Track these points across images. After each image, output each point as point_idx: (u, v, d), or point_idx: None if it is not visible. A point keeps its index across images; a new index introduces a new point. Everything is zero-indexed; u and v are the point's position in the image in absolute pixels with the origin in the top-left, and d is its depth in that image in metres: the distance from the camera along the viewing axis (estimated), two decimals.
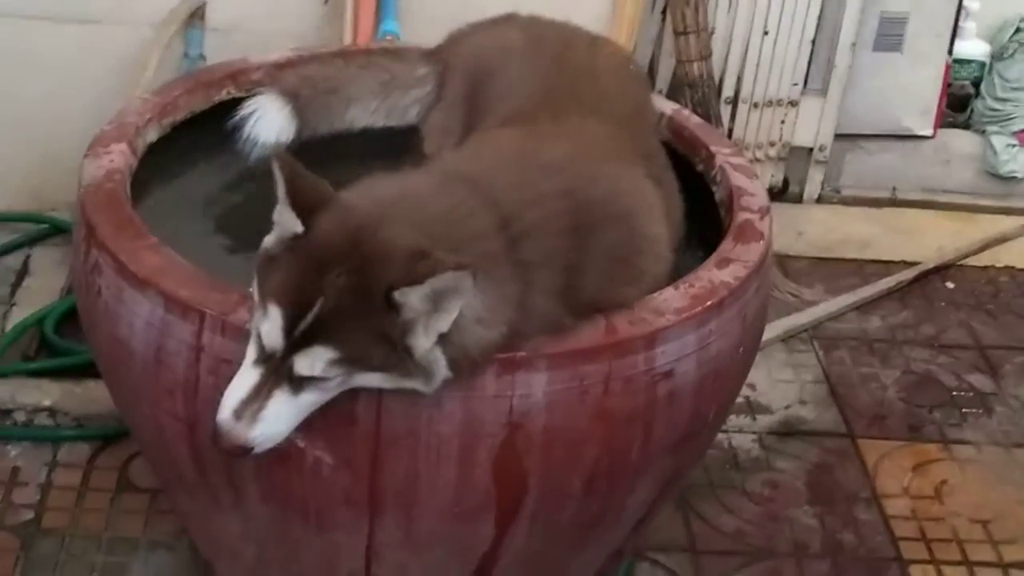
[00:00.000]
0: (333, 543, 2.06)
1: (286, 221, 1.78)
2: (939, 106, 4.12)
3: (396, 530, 2.02)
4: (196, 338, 1.95)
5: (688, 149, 2.51)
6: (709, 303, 2.05)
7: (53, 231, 3.46)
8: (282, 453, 1.91)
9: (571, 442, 1.96)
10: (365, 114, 2.55)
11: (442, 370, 1.79)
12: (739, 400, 3.10)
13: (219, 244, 2.33)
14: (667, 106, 2.61)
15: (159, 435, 2.08)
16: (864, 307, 3.57)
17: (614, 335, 1.95)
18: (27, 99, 3.45)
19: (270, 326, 1.74)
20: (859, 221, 4.01)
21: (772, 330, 3.39)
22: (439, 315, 1.74)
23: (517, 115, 2.25)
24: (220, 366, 1.90)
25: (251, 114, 2.42)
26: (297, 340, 1.73)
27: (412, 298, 1.70)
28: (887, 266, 3.76)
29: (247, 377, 1.77)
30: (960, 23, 4.06)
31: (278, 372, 1.75)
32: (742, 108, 3.91)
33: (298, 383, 1.76)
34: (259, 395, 1.76)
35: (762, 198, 2.34)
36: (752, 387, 3.19)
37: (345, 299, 1.72)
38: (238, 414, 1.76)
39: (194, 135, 2.49)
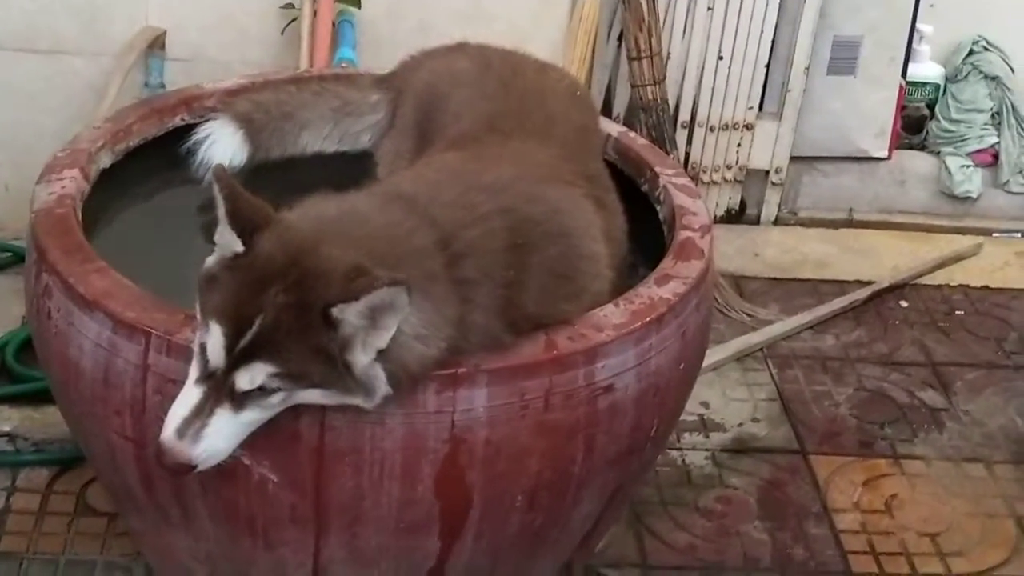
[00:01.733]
0: (281, 560, 2.09)
1: (227, 241, 1.82)
2: (894, 128, 4.18)
3: (342, 547, 2.05)
4: (142, 358, 1.98)
5: (633, 169, 2.56)
6: (648, 319, 2.09)
7: (15, 259, 3.48)
8: (228, 471, 1.94)
9: (513, 456, 2.00)
10: (318, 139, 2.60)
11: (382, 386, 1.83)
12: (692, 418, 3.17)
13: (171, 267, 2.35)
14: (613, 128, 2.66)
15: (109, 455, 2.11)
16: (818, 326, 3.62)
17: (554, 350, 1.99)
18: None
19: (212, 343, 1.78)
20: (816, 242, 4.07)
21: (726, 349, 3.44)
22: (377, 332, 1.78)
23: (463, 138, 2.30)
24: (166, 385, 1.94)
25: (204, 139, 2.47)
26: (238, 356, 1.76)
27: (349, 314, 1.74)
28: (843, 286, 3.81)
29: (190, 395, 1.81)
30: (914, 46, 4.14)
31: (220, 389, 1.79)
32: (698, 132, 3.97)
33: (240, 400, 1.79)
34: (201, 413, 1.80)
35: (704, 217, 2.38)
36: (705, 405, 3.23)
37: (284, 316, 1.75)
38: (181, 432, 1.79)
39: (149, 160, 2.53)
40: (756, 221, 4.14)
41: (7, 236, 3.53)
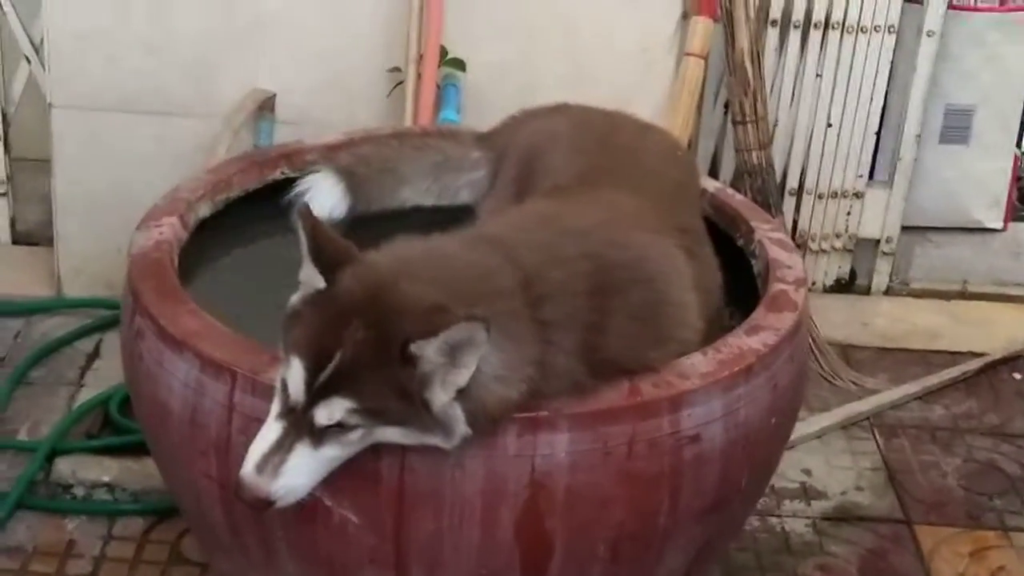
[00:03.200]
0: None
1: (310, 277, 1.83)
2: (1009, 199, 4.10)
3: None
4: (228, 398, 2.00)
5: (729, 224, 2.54)
6: (736, 368, 2.05)
7: None
8: (309, 511, 1.95)
9: (595, 504, 1.97)
10: (417, 193, 2.61)
11: (461, 426, 1.82)
12: (793, 485, 3.11)
13: (265, 315, 2.37)
14: (711, 184, 2.65)
15: (196, 497, 2.13)
16: (928, 396, 3.53)
17: (638, 396, 1.97)
18: (101, 189, 3.58)
19: (292, 378, 1.79)
20: (927, 312, 3.98)
21: (831, 417, 3.38)
22: (457, 370, 1.77)
23: (554, 189, 2.30)
24: (251, 425, 1.94)
25: (305, 190, 2.49)
26: (317, 392, 1.77)
27: (428, 351, 1.74)
28: (954, 357, 3.72)
29: (270, 431, 1.82)
30: None
31: (299, 425, 1.79)
32: (807, 199, 3.92)
33: (319, 436, 1.80)
34: (281, 448, 1.80)
35: (798, 271, 2.34)
36: (808, 472, 3.17)
37: (363, 351, 1.76)
38: (260, 467, 1.80)
39: (250, 212, 2.56)
40: (867, 291, 4.07)
41: (118, 294, 3.59)
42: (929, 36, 3.78)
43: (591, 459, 1.95)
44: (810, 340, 3.53)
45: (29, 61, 3.80)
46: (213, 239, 2.50)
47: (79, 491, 2.94)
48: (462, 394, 1.80)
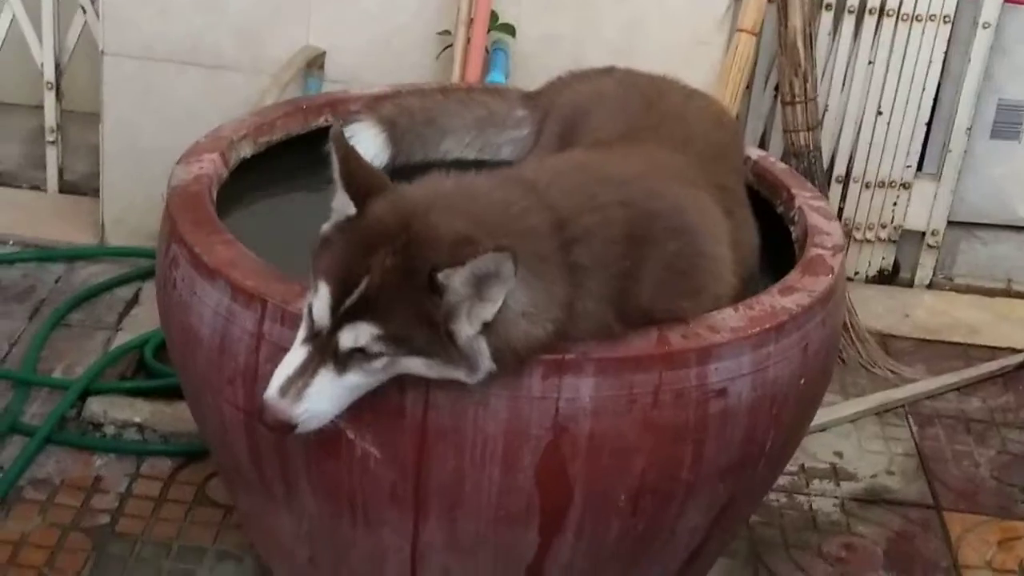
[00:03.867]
0: (380, 542, 2.08)
1: (341, 204, 1.84)
2: None
3: (440, 531, 2.03)
4: (258, 326, 2.00)
5: (770, 191, 2.52)
6: (768, 326, 2.04)
7: None
8: (331, 444, 1.96)
9: (618, 452, 1.96)
10: (459, 146, 2.60)
11: (486, 361, 1.82)
12: (823, 466, 3.09)
13: (300, 256, 2.38)
14: (754, 152, 2.63)
15: (221, 427, 2.13)
16: (965, 389, 3.49)
17: (666, 346, 1.96)
18: (148, 138, 3.59)
19: (319, 303, 1.79)
20: (970, 308, 3.93)
21: (866, 403, 3.35)
22: (483, 303, 1.77)
23: (596, 143, 2.29)
24: (278, 354, 1.92)
25: (347, 138, 2.49)
26: (343, 316, 1.77)
27: (455, 281, 1.74)
28: (994, 352, 3.67)
29: (295, 355, 1.83)
30: None
31: (324, 350, 1.80)
32: (853, 187, 3.89)
33: (343, 361, 1.80)
34: (305, 372, 1.81)
35: (837, 238, 2.32)
36: (839, 455, 3.14)
37: (391, 278, 1.76)
38: (284, 390, 1.81)
39: (294, 157, 2.56)
40: (910, 284, 4.02)
41: None
42: (985, 28, 3.73)
43: (616, 406, 1.94)
44: (849, 326, 3.54)
45: (84, 11, 3.83)
46: (254, 181, 2.51)
47: (109, 430, 2.95)
48: (488, 328, 1.79)
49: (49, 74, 3.88)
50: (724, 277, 2.07)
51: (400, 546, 2.07)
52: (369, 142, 2.50)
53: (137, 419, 2.96)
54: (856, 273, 3.98)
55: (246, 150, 2.50)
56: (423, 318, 1.77)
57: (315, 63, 3.51)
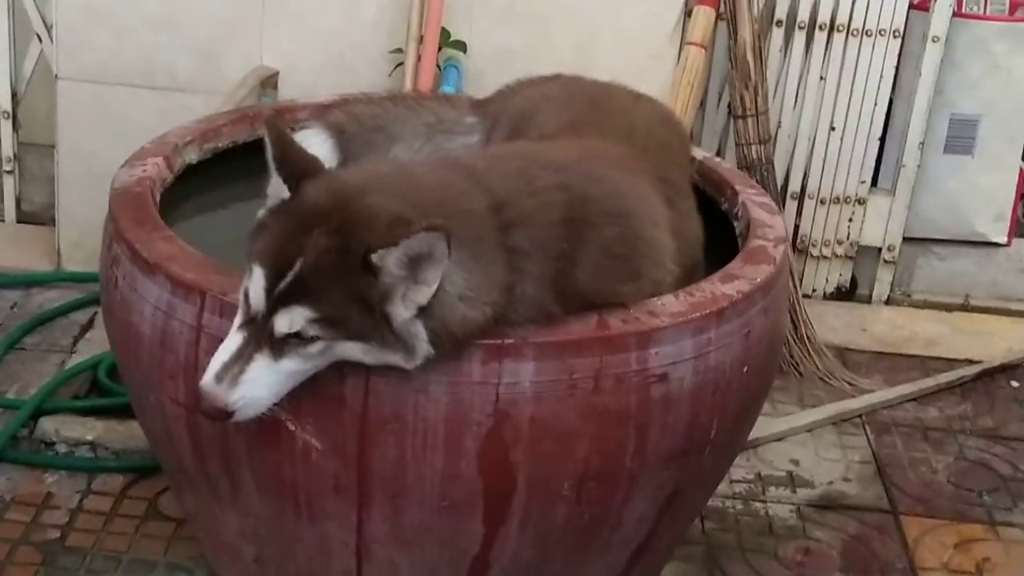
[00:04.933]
0: (325, 536, 2.07)
1: (275, 188, 1.84)
2: (1014, 213, 4.07)
3: (384, 522, 2.02)
4: (197, 318, 2.00)
5: (715, 190, 2.53)
6: (708, 311, 2.05)
7: None
8: (272, 435, 1.95)
9: (560, 436, 1.96)
10: (409, 152, 2.59)
11: (423, 345, 1.81)
12: (779, 473, 3.08)
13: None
14: (699, 152, 2.65)
15: (164, 424, 2.12)
16: (923, 399, 3.50)
17: (605, 330, 1.96)
18: (104, 162, 3.54)
19: (254, 287, 1.79)
20: (928, 322, 3.95)
21: (823, 412, 3.36)
22: (418, 286, 1.77)
23: (539, 137, 2.30)
24: (218, 347, 1.93)
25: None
26: (277, 299, 1.77)
27: (389, 262, 1.74)
28: (951, 364, 3.68)
29: (231, 341, 1.82)
30: None
31: (260, 335, 1.79)
32: (808, 204, 3.91)
33: (279, 347, 1.79)
34: (241, 358, 1.80)
35: (779, 231, 2.34)
36: (795, 463, 3.14)
37: (325, 259, 1.76)
38: (220, 376, 1.80)
39: (240, 164, 2.56)
40: (868, 300, 4.03)
41: None
42: (934, 42, 3.77)
43: (556, 390, 1.94)
44: (806, 338, 3.55)
45: (40, 40, 3.83)
46: (200, 187, 2.51)
47: (61, 448, 2.93)
48: (425, 312, 1.79)
49: (5, 103, 3.88)
50: (664, 263, 2.08)
51: (345, 539, 2.06)
52: (317, 148, 2.48)
53: (89, 437, 2.94)
54: (813, 290, 3.99)
55: (192, 156, 2.50)
56: (358, 300, 1.76)
57: (268, 83, 3.52)
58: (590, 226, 1.96)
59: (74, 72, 3.59)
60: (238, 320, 1.83)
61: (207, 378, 1.80)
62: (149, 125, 3.53)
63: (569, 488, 2.01)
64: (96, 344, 3.34)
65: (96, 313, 3.51)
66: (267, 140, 1.83)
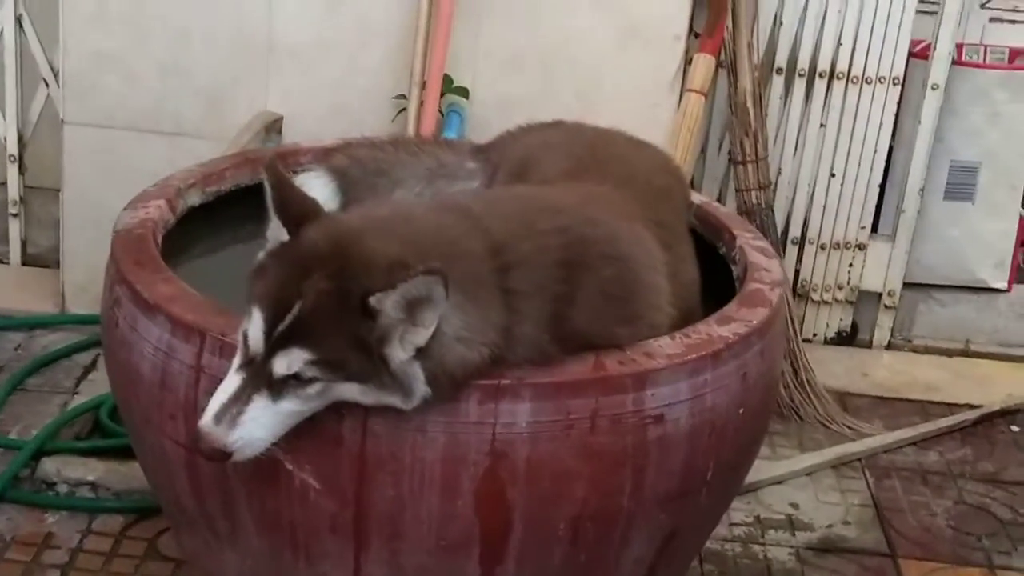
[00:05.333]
0: None
1: (274, 231, 1.86)
2: (1014, 259, 4.09)
3: (381, 565, 2.02)
4: (196, 359, 2.01)
5: (713, 234, 2.55)
6: (704, 353, 2.06)
7: None
8: (271, 475, 1.96)
9: (556, 477, 1.97)
10: (410, 196, 2.62)
11: (420, 386, 1.83)
12: (779, 516, 3.09)
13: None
14: (697, 197, 2.67)
15: (163, 463, 2.14)
16: (923, 443, 3.51)
17: (602, 371, 1.97)
18: (109, 207, 3.57)
19: (252, 329, 1.80)
20: (928, 367, 3.97)
21: (822, 456, 3.37)
22: (416, 328, 1.78)
23: (539, 182, 2.32)
24: (217, 387, 1.95)
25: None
26: (276, 342, 1.78)
27: (387, 305, 1.75)
28: (952, 408, 3.71)
29: (230, 383, 1.83)
30: None
31: (258, 376, 1.80)
32: (809, 249, 3.94)
33: (278, 388, 1.80)
34: (239, 399, 1.81)
35: (776, 275, 2.35)
36: (795, 506, 3.15)
37: (323, 302, 1.77)
38: (218, 417, 1.81)
39: (242, 209, 2.58)
40: (868, 345, 4.06)
41: None
42: (934, 89, 3.81)
43: (553, 431, 1.95)
44: (806, 383, 3.56)
45: (47, 84, 3.88)
46: (202, 231, 2.54)
47: (62, 488, 2.95)
48: (422, 353, 1.81)
49: (12, 147, 3.93)
50: (660, 306, 2.09)
51: None
52: (319, 191, 2.51)
53: (90, 478, 2.96)
54: (814, 335, 4.01)
55: (194, 198, 2.53)
56: (356, 343, 1.78)
57: (273, 128, 3.55)
58: (587, 268, 1.98)
59: (81, 117, 3.62)
60: (237, 361, 1.84)
61: (206, 418, 1.81)
62: (155, 170, 3.56)
63: (566, 529, 2.02)
64: (99, 385, 3.36)
65: (99, 355, 3.53)
66: (266, 183, 1.85)
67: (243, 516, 2.07)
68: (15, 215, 3.99)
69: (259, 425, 1.82)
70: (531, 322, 1.92)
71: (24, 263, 4.04)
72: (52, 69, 3.85)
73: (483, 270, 1.89)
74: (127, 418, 2.26)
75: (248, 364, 1.82)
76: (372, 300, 1.76)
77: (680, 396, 2.03)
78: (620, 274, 2.02)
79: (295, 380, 1.80)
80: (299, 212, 1.85)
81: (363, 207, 1.95)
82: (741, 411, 2.14)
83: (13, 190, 3.96)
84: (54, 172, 3.79)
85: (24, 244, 4.04)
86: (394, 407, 1.86)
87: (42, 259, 4.03)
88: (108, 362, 2.27)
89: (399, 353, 1.79)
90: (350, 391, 1.83)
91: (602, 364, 1.98)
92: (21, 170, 3.95)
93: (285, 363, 1.78)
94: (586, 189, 2.21)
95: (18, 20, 3.84)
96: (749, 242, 2.47)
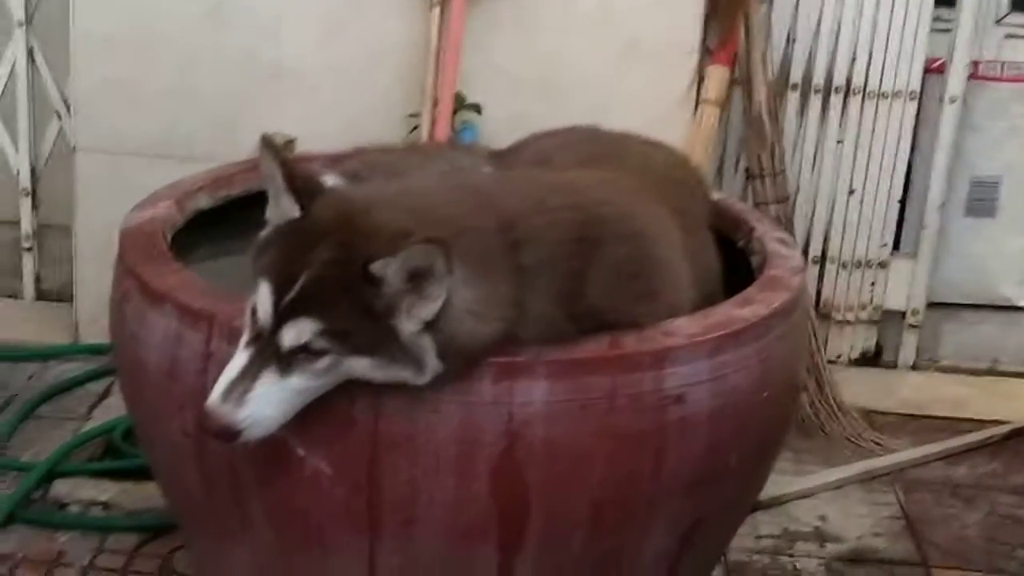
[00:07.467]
0: (335, 569, 2.01)
1: (284, 207, 1.83)
2: None
3: (396, 552, 1.97)
4: (205, 345, 1.97)
5: (731, 227, 2.50)
6: (723, 332, 2.01)
7: None
8: (281, 462, 1.91)
9: (574, 458, 1.91)
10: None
11: (431, 359, 1.78)
12: (806, 529, 3.02)
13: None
14: (716, 194, 2.63)
15: (171, 456, 2.09)
16: (952, 458, 3.44)
17: (619, 348, 1.92)
18: None
19: (260, 302, 1.77)
20: (955, 385, 3.89)
21: (850, 469, 3.30)
22: (422, 301, 1.74)
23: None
24: None
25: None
26: (284, 312, 1.74)
27: (390, 272, 1.71)
28: (981, 424, 3.62)
29: (239, 358, 1.79)
30: None
31: (267, 350, 1.76)
32: (830, 268, 3.88)
33: (287, 363, 1.76)
34: (247, 376, 1.77)
35: (797, 261, 2.31)
36: (823, 518, 3.08)
37: (329, 271, 1.74)
38: (226, 395, 1.76)
39: (253, 214, 2.55)
40: (893, 366, 3.99)
41: None
42: (952, 103, 3.77)
43: (570, 410, 1.89)
44: (831, 399, 3.50)
45: (60, 117, 3.87)
46: (211, 234, 2.50)
47: (74, 508, 2.90)
48: (433, 326, 1.76)
49: (25, 180, 3.92)
50: (679, 286, 2.05)
51: (357, 572, 2.00)
52: None
53: (103, 498, 2.92)
54: (838, 356, 3.94)
55: (204, 202, 2.50)
56: (364, 312, 1.74)
57: (286, 148, 3.52)
58: (602, 245, 1.93)
59: (92, 143, 3.61)
60: (245, 337, 1.80)
61: (213, 397, 1.76)
62: None
63: (586, 513, 1.96)
64: (112, 412, 3.32)
65: (112, 383, 3.49)
66: (271, 163, 1.82)
67: (253, 507, 2.01)
68: (28, 249, 3.97)
69: (268, 402, 1.77)
70: (545, 299, 1.87)
71: (38, 298, 4.02)
72: (64, 101, 3.84)
73: (493, 245, 1.85)
74: (135, 415, 2.22)
75: (256, 339, 1.78)
76: (374, 267, 1.72)
77: (700, 376, 1.97)
78: (634, 251, 1.98)
79: (304, 353, 1.76)
80: (309, 188, 1.81)
81: (372, 183, 1.91)
82: (764, 394, 2.08)
83: (26, 224, 3.95)
84: (67, 207, 3.77)
85: (38, 279, 4.01)
86: (407, 382, 1.81)
87: (56, 294, 4.00)
88: (117, 359, 2.24)
89: (407, 325, 1.75)
90: (360, 366, 1.78)
91: (619, 342, 1.93)
92: (34, 204, 3.93)
93: (294, 334, 1.74)
94: (602, 174, 2.17)
95: (30, 53, 3.83)
96: (768, 233, 2.42)
